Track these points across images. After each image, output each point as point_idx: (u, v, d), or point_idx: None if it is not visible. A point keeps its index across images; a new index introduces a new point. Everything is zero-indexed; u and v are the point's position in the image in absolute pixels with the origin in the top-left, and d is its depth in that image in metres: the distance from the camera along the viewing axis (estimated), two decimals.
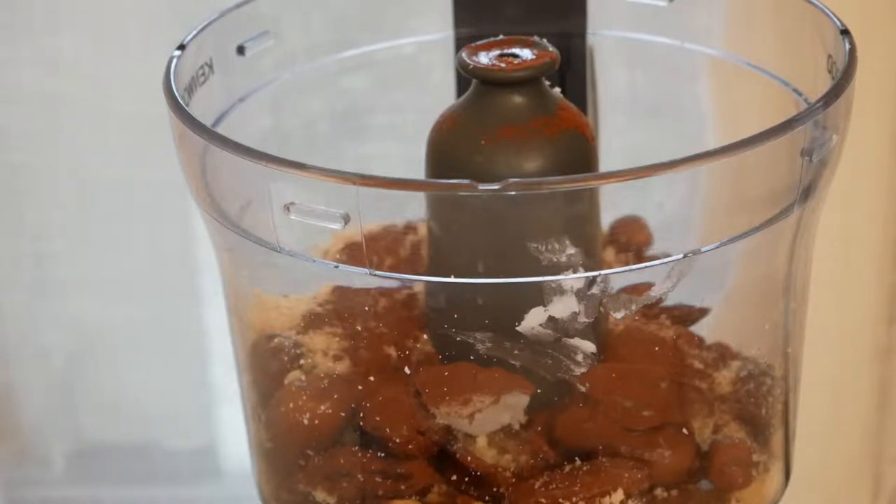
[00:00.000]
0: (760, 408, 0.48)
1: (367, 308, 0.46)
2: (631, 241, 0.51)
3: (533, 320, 0.43)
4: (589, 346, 0.43)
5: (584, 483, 0.44)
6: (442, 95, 0.55)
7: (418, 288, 0.47)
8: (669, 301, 0.44)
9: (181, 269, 0.79)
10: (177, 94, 0.45)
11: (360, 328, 0.46)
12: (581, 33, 0.55)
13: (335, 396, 0.46)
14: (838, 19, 0.47)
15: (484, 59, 0.45)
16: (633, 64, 0.57)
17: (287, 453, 0.47)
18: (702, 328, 0.48)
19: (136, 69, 0.73)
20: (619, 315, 0.43)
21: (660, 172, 0.40)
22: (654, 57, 0.55)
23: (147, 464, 0.83)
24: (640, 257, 0.51)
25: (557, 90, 0.47)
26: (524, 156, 0.44)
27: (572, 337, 0.43)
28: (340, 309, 0.47)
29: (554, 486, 0.44)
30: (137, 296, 0.80)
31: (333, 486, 0.46)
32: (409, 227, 0.50)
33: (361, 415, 0.45)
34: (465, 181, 0.40)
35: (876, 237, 0.75)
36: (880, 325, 0.76)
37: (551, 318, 0.43)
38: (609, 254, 0.51)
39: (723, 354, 0.48)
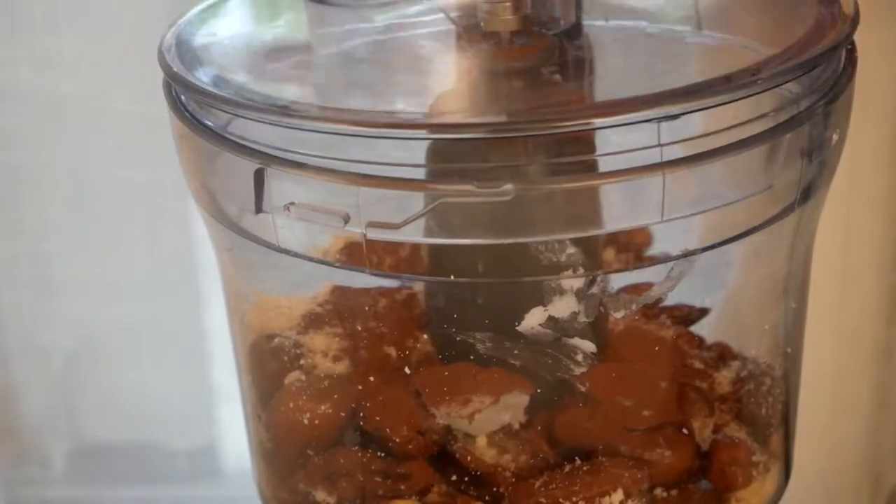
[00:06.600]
0: (760, 408, 0.48)
1: (367, 308, 0.46)
2: (631, 241, 0.51)
3: (533, 320, 0.43)
4: (589, 346, 0.43)
5: (584, 483, 0.44)
6: None
7: (418, 288, 0.47)
8: (669, 301, 0.44)
9: (181, 269, 0.79)
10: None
11: (360, 328, 0.46)
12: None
13: (335, 396, 0.46)
14: None
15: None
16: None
17: (287, 453, 0.47)
18: (702, 328, 0.48)
19: (136, 69, 0.73)
20: (619, 315, 0.43)
21: (659, 170, 0.40)
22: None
23: (147, 464, 0.83)
24: (640, 257, 0.51)
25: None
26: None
27: (572, 337, 0.43)
28: (340, 309, 0.47)
29: (554, 486, 0.44)
30: (137, 296, 0.80)
31: (333, 486, 0.46)
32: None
33: (361, 415, 0.45)
34: (465, 181, 0.40)
35: (876, 237, 0.75)
36: (880, 325, 0.76)
37: (551, 318, 0.43)
38: (609, 254, 0.51)
39: (723, 354, 0.48)
